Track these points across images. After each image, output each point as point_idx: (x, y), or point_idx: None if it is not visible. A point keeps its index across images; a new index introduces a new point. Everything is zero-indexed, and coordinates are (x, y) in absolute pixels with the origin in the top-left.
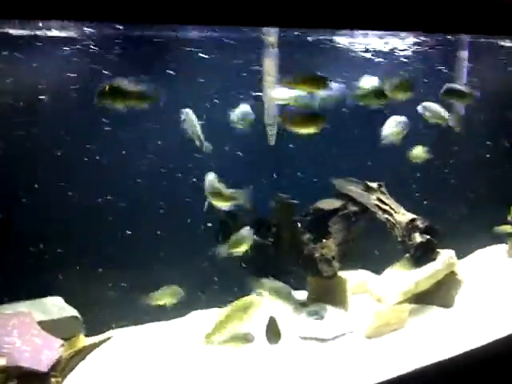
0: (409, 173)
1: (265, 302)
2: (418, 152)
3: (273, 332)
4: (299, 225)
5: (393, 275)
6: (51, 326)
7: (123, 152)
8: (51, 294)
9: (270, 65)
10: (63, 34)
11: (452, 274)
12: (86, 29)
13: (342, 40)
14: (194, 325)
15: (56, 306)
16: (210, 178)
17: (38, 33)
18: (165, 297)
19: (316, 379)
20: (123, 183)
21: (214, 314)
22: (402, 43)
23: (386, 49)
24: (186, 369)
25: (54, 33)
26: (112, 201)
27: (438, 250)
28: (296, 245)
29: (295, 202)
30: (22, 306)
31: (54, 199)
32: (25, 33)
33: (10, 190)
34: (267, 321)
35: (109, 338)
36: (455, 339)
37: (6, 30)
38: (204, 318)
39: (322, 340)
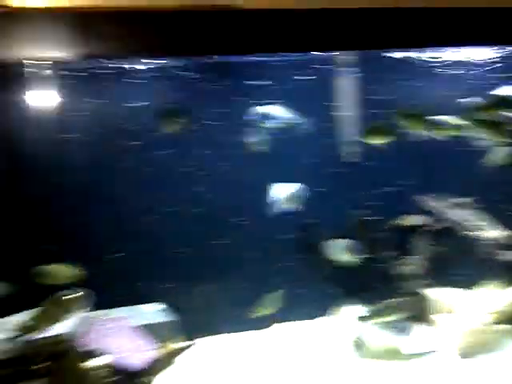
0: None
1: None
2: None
3: (359, 345)
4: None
5: (483, 294)
6: (148, 330)
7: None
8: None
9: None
10: None
11: None
12: None
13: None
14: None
15: (153, 312)
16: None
17: None
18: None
19: None
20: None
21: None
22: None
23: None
24: None
25: None
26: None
27: None
28: (377, 261)
29: (372, 218)
30: (123, 312)
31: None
32: None
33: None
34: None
35: (193, 344)
36: None
37: None
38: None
39: (407, 356)
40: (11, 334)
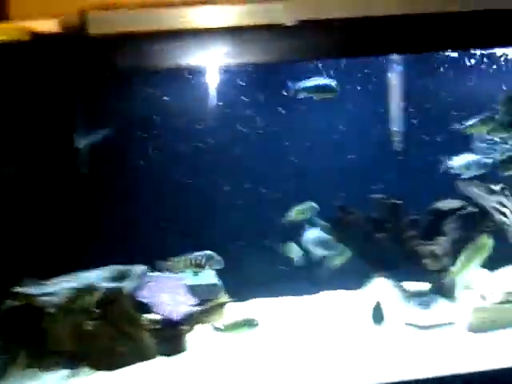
0: None
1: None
2: None
3: (377, 314)
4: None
5: (503, 275)
6: (197, 290)
7: None
8: None
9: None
10: None
11: None
12: None
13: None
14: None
15: (206, 275)
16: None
17: None
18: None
19: (404, 360)
20: None
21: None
22: None
23: None
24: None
25: None
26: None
27: None
28: (403, 241)
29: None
30: (182, 273)
31: None
32: None
33: None
34: (374, 304)
35: (227, 302)
36: None
37: None
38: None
39: (420, 327)
40: None
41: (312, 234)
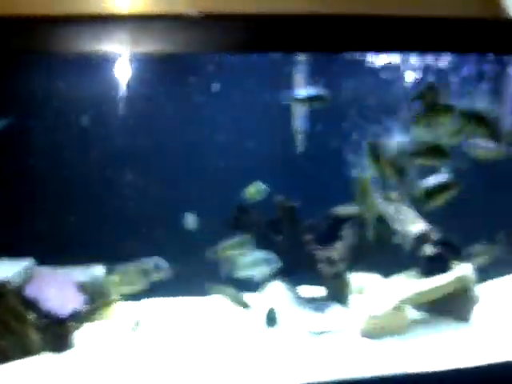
0: None
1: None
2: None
3: (270, 319)
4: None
5: (396, 282)
6: (87, 287)
7: None
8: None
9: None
10: None
11: (465, 288)
12: None
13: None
14: None
15: (94, 272)
16: None
17: None
18: None
19: (299, 366)
20: None
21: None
22: None
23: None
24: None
25: None
26: None
27: (453, 263)
28: (299, 245)
29: (296, 204)
30: (74, 270)
31: None
32: None
33: None
34: (268, 308)
35: (117, 300)
36: (455, 353)
37: None
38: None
39: (314, 332)
40: None
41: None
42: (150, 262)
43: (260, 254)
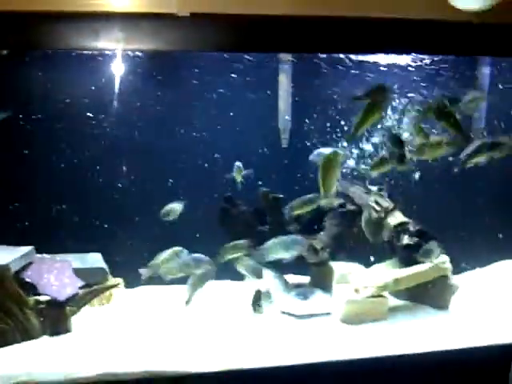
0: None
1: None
2: None
3: (256, 303)
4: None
5: (376, 270)
6: (83, 273)
7: None
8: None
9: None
10: None
11: (444, 277)
12: None
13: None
14: None
15: (93, 259)
16: None
17: None
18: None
19: (281, 348)
20: None
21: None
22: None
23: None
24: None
25: None
26: None
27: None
28: (284, 235)
29: (281, 196)
30: (70, 257)
31: None
32: None
33: None
34: (254, 292)
35: (116, 285)
36: (432, 337)
37: None
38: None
39: (296, 316)
40: None
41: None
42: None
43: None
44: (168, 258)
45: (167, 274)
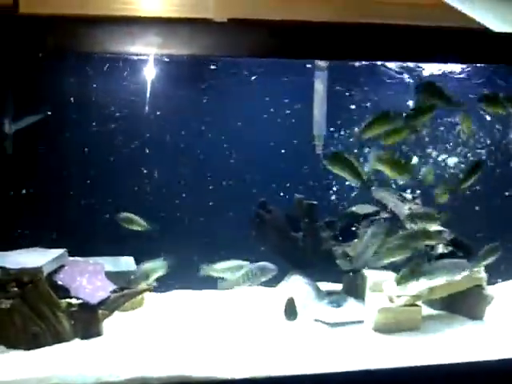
0: None
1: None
2: None
3: (290, 310)
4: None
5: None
6: (115, 276)
7: None
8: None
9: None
10: None
11: (479, 287)
12: None
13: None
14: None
15: (125, 263)
16: None
17: None
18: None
19: (313, 355)
20: None
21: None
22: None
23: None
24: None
25: None
26: None
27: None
28: (317, 241)
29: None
30: (102, 260)
31: None
32: None
33: None
34: (286, 300)
35: (148, 290)
36: (466, 348)
37: None
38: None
39: (329, 324)
40: None
41: None
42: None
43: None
44: (230, 268)
45: (234, 285)
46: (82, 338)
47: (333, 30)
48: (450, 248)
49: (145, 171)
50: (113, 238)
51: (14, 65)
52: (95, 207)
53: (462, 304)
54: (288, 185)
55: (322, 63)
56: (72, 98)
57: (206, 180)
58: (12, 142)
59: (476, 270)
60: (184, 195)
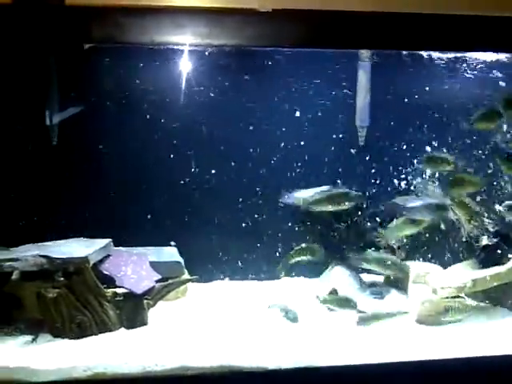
0: None
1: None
2: None
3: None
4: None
5: (454, 271)
6: (159, 267)
7: None
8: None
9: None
10: None
11: None
12: None
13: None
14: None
15: (169, 253)
16: None
17: None
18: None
19: (356, 346)
20: None
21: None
22: None
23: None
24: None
25: None
26: None
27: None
28: (361, 232)
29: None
30: (146, 250)
31: None
32: None
33: None
34: (330, 291)
35: (192, 279)
36: (510, 340)
37: None
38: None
39: (372, 315)
40: None
41: None
42: None
43: None
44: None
45: None
46: (127, 328)
47: (377, 19)
48: (495, 240)
49: (199, 164)
50: (156, 227)
51: (61, 55)
52: (138, 197)
53: (506, 296)
54: (332, 175)
55: (365, 53)
56: (120, 90)
57: (254, 171)
58: (57, 132)
59: None
60: (235, 188)
